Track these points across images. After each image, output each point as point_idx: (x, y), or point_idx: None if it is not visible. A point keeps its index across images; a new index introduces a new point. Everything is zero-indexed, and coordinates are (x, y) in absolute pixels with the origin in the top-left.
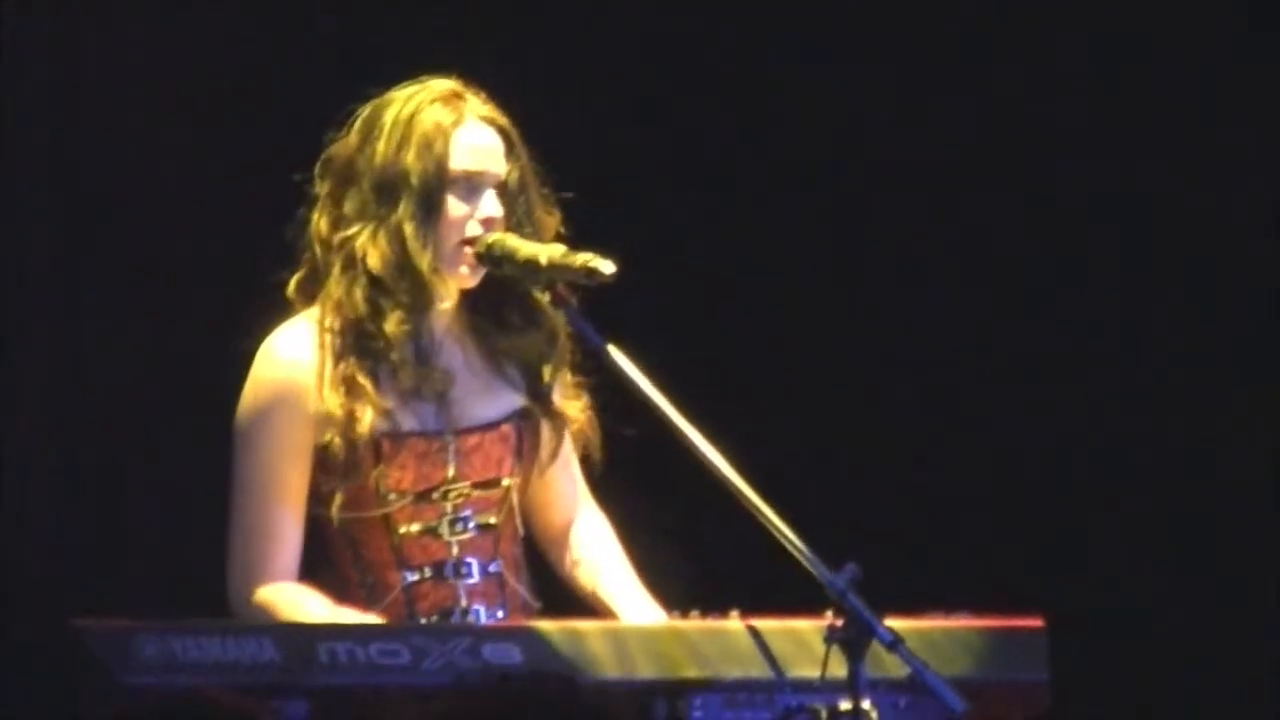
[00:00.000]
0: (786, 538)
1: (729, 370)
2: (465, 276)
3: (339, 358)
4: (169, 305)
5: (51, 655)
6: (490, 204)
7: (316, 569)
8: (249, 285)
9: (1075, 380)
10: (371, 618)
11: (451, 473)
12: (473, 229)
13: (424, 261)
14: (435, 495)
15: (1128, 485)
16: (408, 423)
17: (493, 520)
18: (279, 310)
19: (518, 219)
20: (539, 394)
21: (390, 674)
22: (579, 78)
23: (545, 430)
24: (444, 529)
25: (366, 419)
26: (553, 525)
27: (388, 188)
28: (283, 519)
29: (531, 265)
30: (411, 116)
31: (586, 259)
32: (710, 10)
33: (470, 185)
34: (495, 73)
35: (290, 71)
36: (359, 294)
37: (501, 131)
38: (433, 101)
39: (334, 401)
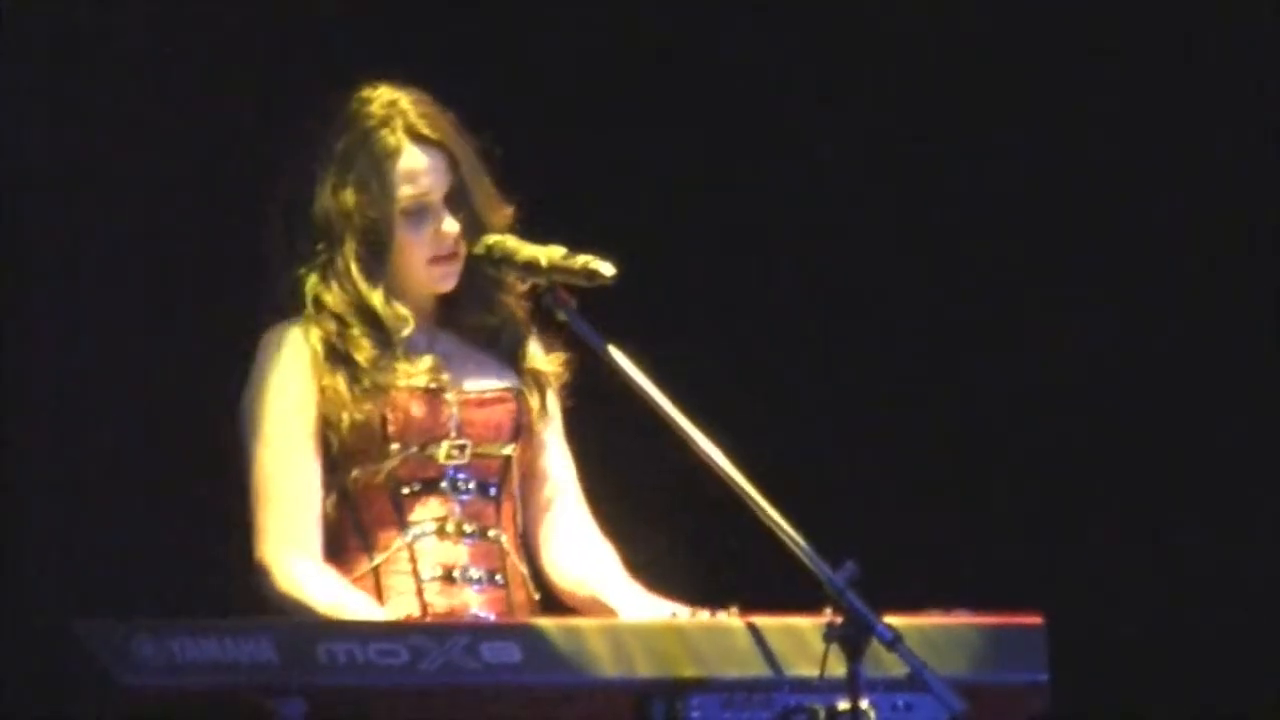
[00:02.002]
0: (786, 534)
1: (728, 368)
2: (440, 286)
3: (324, 366)
4: (170, 304)
5: (50, 656)
6: (446, 222)
7: None
8: (251, 286)
9: (1072, 375)
10: (380, 612)
11: (453, 431)
12: (436, 247)
13: (376, 299)
14: (437, 451)
15: (1128, 479)
16: (413, 380)
17: (493, 491)
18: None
19: (465, 226)
20: (515, 366)
21: (389, 674)
22: (582, 75)
23: (533, 396)
24: (445, 486)
25: (344, 424)
26: (541, 518)
27: (330, 229)
28: (307, 479)
29: (532, 266)
30: (346, 153)
31: (586, 261)
32: (711, 8)
33: (418, 210)
34: (494, 70)
35: (293, 68)
36: (330, 327)
37: (439, 147)
38: (367, 132)
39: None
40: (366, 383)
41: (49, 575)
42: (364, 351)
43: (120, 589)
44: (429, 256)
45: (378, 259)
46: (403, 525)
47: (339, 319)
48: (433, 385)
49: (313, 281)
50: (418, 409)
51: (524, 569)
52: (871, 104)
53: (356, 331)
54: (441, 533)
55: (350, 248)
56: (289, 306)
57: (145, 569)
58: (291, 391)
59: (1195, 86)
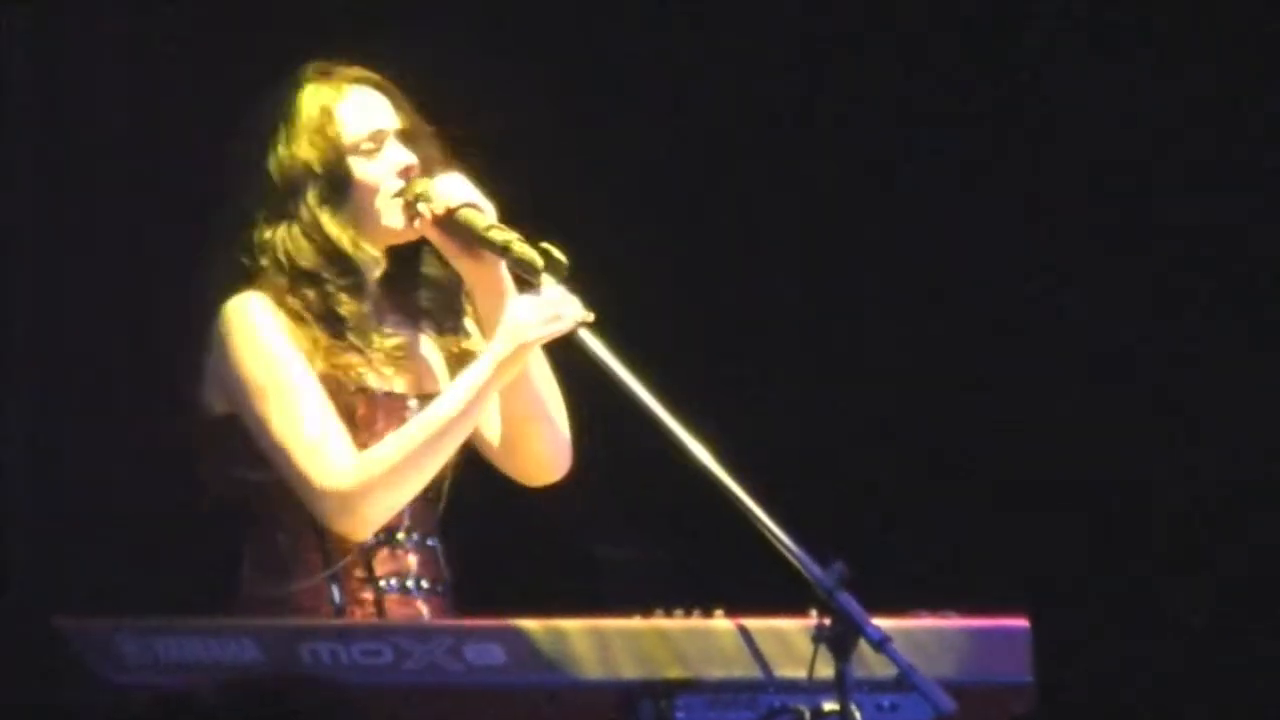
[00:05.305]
0: (775, 535)
1: (714, 365)
2: (401, 231)
3: (298, 330)
4: (154, 293)
5: (34, 653)
6: (400, 153)
7: (264, 536)
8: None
9: (1066, 368)
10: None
11: None
12: (393, 183)
13: (345, 239)
14: None
15: (1121, 479)
16: (379, 384)
17: (431, 494)
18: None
19: (423, 165)
20: (453, 351)
21: (372, 674)
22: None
23: None
24: None
25: (319, 370)
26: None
27: (292, 185)
28: (328, 405)
29: (475, 232)
30: (292, 106)
31: (532, 256)
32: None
33: (371, 145)
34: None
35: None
36: (307, 290)
37: (379, 87)
38: (303, 86)
39: (320, 366)
40: (350, 337)
41: (33, 572)
42: (347, 306)
43: (105, 587)
44: (393, 190)
45: (340, 202)
46: None
47: (313, 278)
48: (397, 390)
49: (281, 235)
50: (384, 420)
51: (447, 573)
52: (873, 107)
53: (332, 288)
54: (392, 541)
55: (313, 195)
56: (241, 273)
57: (131, 567)
58: (285, 342)
59: None
